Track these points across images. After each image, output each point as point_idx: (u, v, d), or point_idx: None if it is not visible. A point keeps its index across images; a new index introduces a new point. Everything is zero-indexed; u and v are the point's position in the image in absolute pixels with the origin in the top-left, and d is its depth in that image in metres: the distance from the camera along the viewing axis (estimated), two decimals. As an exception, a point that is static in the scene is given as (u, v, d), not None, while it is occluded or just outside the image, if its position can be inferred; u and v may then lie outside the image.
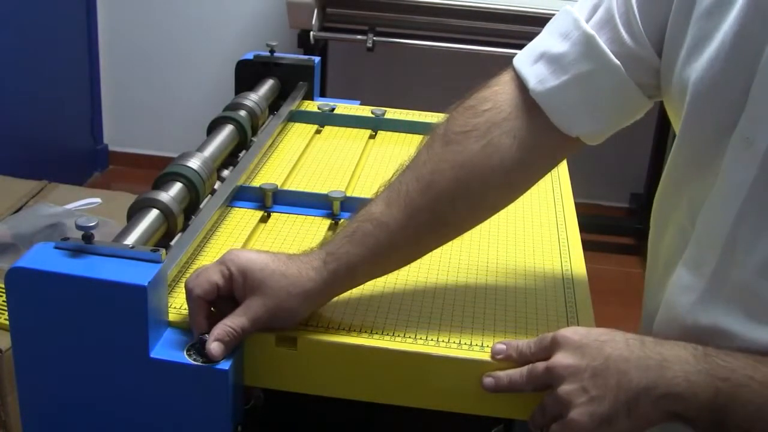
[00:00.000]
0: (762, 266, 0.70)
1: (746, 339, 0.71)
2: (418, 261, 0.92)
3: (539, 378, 0.74)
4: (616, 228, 2.99)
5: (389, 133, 1.31)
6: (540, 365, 0.74)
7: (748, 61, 0.70)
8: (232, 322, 0.77)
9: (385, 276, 0.89)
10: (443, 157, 0.80)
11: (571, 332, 0.74)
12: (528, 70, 0.81)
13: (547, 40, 0.82)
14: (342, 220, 1.02)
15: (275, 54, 1.38)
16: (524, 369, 0.76)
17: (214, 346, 0.76)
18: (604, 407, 0.69)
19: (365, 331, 0.81)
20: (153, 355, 0.76)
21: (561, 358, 0.72)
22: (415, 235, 0.81)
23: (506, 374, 0.76)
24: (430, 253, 0.94)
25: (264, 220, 1.02)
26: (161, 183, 0.98)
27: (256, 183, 1.08)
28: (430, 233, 0.83)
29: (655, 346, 0.71)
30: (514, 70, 0.83)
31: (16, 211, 1.81)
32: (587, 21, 0.79)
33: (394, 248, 0.81)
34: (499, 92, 0.83)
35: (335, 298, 0.85)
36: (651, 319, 0.82)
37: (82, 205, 1.89)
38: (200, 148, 1.08)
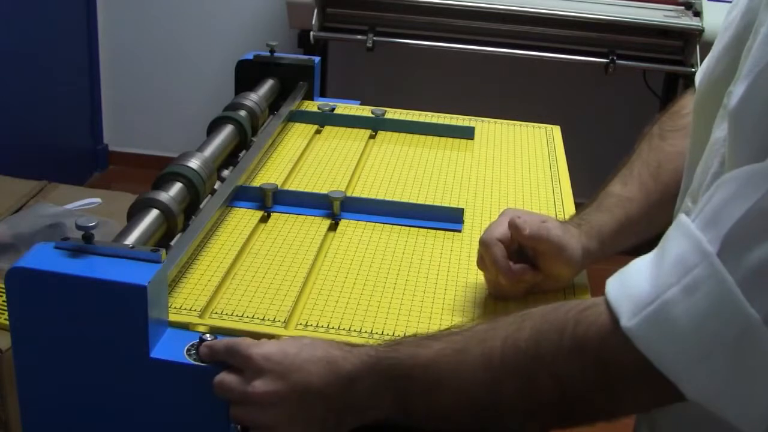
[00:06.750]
0: (688, 190, 0.74)
1: None
2: (418, 261, 0.94)
3: None
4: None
5: (389, 133, 1.31)
6: None
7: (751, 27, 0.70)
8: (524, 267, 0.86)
9: (385, 276, 0.90)
10: (663, 149, 0.93)
11: None
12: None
13: None
14: (343, 220, 1.02)
15: (275, 54, 1.38)
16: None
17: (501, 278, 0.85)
18: None
19: (365, 332, 0.81)
20: (153, 355, 0.76)
21: None
22: (648, 212, 0.91)
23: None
24: (429, 254, 0.95)
25: (264, 220, 1.02)
26: (161, 183, 0.98)
27: (256, 183, 1.08)
28: (660, 212, 0.90)
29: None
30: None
31: (16, 211, 1.81)
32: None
33: (633, 221, 0.91)
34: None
35: (335, 299, 0.85)
36: None
37: (82, 205, 1.89)
38: (200, 148, 1.08)
